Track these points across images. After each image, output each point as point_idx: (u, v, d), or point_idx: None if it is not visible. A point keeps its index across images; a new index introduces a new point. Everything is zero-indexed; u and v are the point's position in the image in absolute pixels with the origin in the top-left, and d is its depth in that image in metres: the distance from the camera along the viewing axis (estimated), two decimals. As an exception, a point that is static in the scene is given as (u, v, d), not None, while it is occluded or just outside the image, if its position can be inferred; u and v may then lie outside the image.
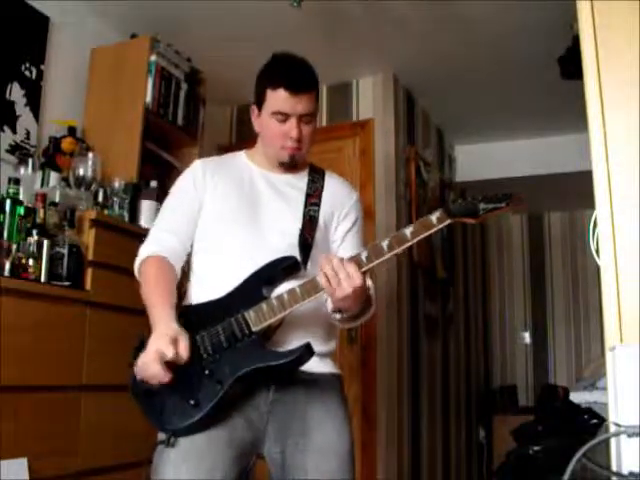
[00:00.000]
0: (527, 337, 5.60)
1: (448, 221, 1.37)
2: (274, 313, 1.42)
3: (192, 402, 1.41)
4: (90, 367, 2.25)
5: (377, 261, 1.40)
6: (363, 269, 1.38)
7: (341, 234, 1.68)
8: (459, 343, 4.66)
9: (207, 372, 1.42)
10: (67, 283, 2.23)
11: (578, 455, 0.90)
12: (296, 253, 1.54)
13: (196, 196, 1.62)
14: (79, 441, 2.18)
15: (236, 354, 1.42)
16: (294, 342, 1.47)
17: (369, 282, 1.55)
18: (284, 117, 1.55)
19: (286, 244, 1.55)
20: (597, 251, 1.08)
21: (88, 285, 2.30)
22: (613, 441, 0.97)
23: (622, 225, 1.05)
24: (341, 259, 1.37)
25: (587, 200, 1.20)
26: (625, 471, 0.92)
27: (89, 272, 2.31)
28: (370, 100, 3.73)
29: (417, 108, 4.09)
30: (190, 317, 1.49)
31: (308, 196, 1.66)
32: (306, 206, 1.64)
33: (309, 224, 1.60)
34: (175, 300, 1.52)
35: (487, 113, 4.20)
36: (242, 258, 1.53)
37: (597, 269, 1.08)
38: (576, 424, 1.88)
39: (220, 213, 1.61)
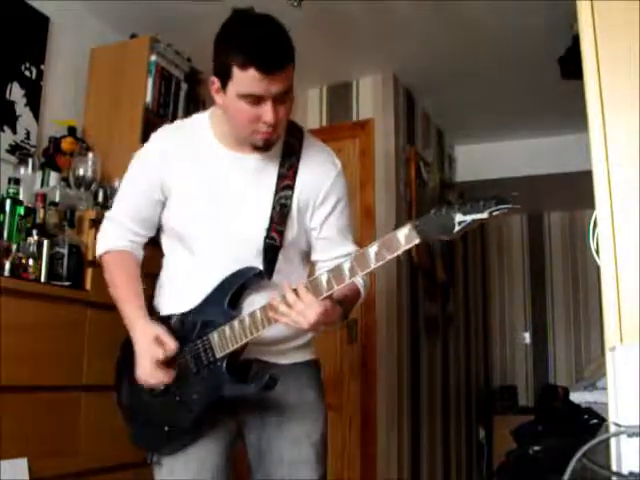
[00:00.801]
0: (527, 337, 5.60)
1: (417, 241, 1.20)
2: (236, 340, 1.38)
3: (166, 429, 1.46)
4: (90, 367, 2.25)
5: (337, 287, 1.29)
6: (323, 296, 1.29)
7: (319, 221, 1.51)
8: (459, 343, 4.66)
9: (177, 398, 1.44)
10: (67, 283, 2.23)
11: (578, 455, 0.90)
12: (260, 257, 1.44)
13: (151, 186, 1.50)
14: (79, 441, 2.18)
15: (204, 380, 1.42)
16: (269, 342, 1.47)
17: (360, 276, 1.41)
18: (256, 100, 1.32)
19: (253, 246, 1.44)
20: (597, 251, 1.08)
21: (88, 285, 2.30)
22: (613, 441, 0.97)
23: (622, 225, 1.05)
24: (294, 291, 1.29)
25: (587, 200, 1.20)
26: (625, 471, 0.92)
27: (89, 272, 2.31)
28: (370, 100, 3.72)
29: (417, 108, 4.09)
30: None
31: (280, 177, 1.46)
32: (277, 192, 1.45)
33: (279, 217, 1.44)
34: (140, 290, 1.51)
35: (487, 113, 4.20)
36: (211, 260, 1.46)
37: (597, 269, 1.08)
38: (576, 424, 1.88)
39: (183, 210, 1.49)
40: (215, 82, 1.39)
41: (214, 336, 1.40)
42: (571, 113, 2.59)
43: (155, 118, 2.90)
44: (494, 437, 4.90)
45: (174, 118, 3.02)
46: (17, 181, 2.29)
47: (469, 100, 4.00)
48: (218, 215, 1.46)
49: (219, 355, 1.40)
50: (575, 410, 1.96)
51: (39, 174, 2.51)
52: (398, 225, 1.23)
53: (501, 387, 5.38)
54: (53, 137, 2.67)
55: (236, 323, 1.38)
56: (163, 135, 1.56)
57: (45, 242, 2.18)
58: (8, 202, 2.20)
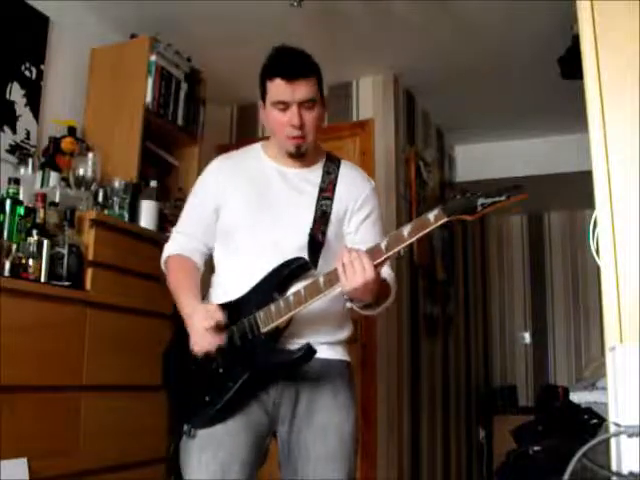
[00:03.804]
0: (527, 337, 5.60)
1: (445, 219, 1.35)
2: (280, 314, 1.49)
3: (207, 398, 1.54)
4: (90, 367, 2.25)
5: (392, 251, 1.41)
6: (377, 261, 1.39)
7: (355, 226, 1.69)
8: (459, 343, 4.66)
9: (221, 370, 1.53)
10: (67, 283, 2.23)
11: (578, 455, 0.90)
12: (306, 252, 1.58)
13: (211, 199, 1.69)
14: (79, 441, 2.18)
15: (247, 354, 1.52)
16: (306, 333, 1.56)
17: (388, 271, 1.63)
18: (284, 106, 1.56)
19: (297, 243, 1.59)
20: (597, 251, 1.08)
21: (88, 285, 2.30)
22: (613, 441, 0.97)
23: (622, 225, 1.05)
24: (358, 251, 1.39)
25: (587, 200, 1.20)
26: (625, 471, 0.92)
27: (89, 272, 2.31)
28: (370, 100, 3.73)
29: (417, 108, 4.09)
30: None
31: (321, 190, 1.66)
32: (319, 201, 1.64)
33: (321, 220, 1.62)
34: (198, 285, 1.65)
35: (487, 113, 4.20)
36: (257, 259, 1.58)
37: (597, 269, 1.08)
38: (576, 424, 1.88)
39: (236, 215, 1.65)
40: (261, 104, 1.65)
41: (260, 314, 1.52)
42: (571, 113, 2.59)
43: (155, 118, 2.90)
44: (494, 437, 4.90)
45: (174, 118, 3.02)
46: (17, 181, 2.29)
47: (469, 100, 4.00)
48: (264, 218, 1.62)
49: (264, 330, 1.51)
50: (575, 410, 1.96)
51: (39, 174, 2.51)
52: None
53: (501, 387, 5.38)
54: (53, 137, 2.67)
55: (281, 301, 1.50)
56: (221, 158, 1.78)
57: (45, 242, 2.18)
58: (8, 202, 2.20)
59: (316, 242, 1.60)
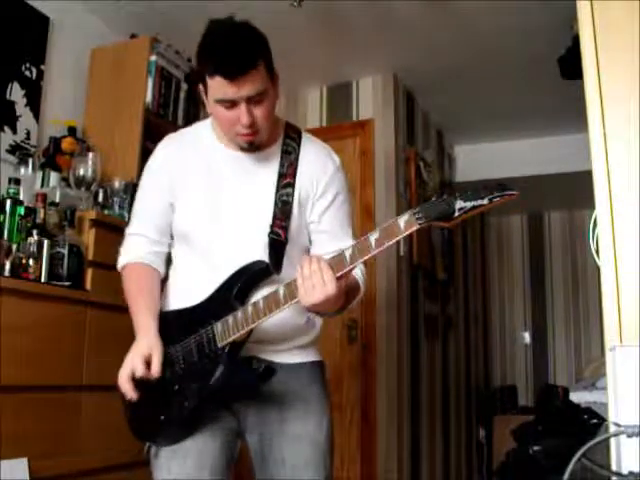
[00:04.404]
0: (527, 337, 5.60)
1: (416, 227, 1.19)
2: (237, 328, 1.37)
3: (162, 418, 1.44)
4: (90, 367, 2.25)
5: (356, 263, 1.26)
6: (340, 273, 1.26)
7: (317, 214, 1.52)
8: (459, 343, 4.66)
9: (176, 387, 1.43)
10: (67, 283, 2.23)
11: (578, 455, 0.90)
12: (267, 253, 1.45)
13: (163, 194, 1.54)
14: (79, 441, 2.18)
15: (204, 370, 1.40)
16: (271, 340, 1.47)
17: (359, 267, 1.46)
18: (230, 104, 1.37)
19: (256, 243, 1.45)
20: (597, 251, 1.08)
21: (88, 285, 2.30)
22: (613, 441, 0.97)
23: (622, 225, 1.05)
24: (320, 262, 1.26)
25: (587, 200, 1.20)
26: (625, 471, 0.92)
27: (89, 272, 2.31)
28: (370, 100, 3.73)
29: (417, 108, 4.09)
30: (165, 326, 1.48)
31: (280, 176, 1.49)
32: (278, 189, 1.48)
33: (282, 213, 1.46)
34: (157, 299, 1.52)
35: (487, 113, 4.20)
36: (215, 261, 1.47)
37: (597, 269, 1.08)
38: (576, 424, 1.88)
39: (187, 209, 1.51)
40: (201, 90, 1.46)
41: (217, 326, 1.40)
42: (571, 113, 2.59)
43: (155, 118, 2.90)
44: (494, 437, 4.90)
45: (174, 118, 3.02)
46: (17, 181, 2.29)
47: (469, 100, 4.00)
48: (219, 212, 1.48)
49: (221, 344, 1.39)
50: (575, 410, 1.96)
51: (39, 174, 2.51)
52: None
53: (501, 387, 5.38)
54: (53, 137, 2.67)
55: (239, 313, 1.37)
56: (167, 143, 1.60)
57: (45, 242, 2.18)
58: (8, 202, 2.20)
59: (277, 240, 1.45)
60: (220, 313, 1.39)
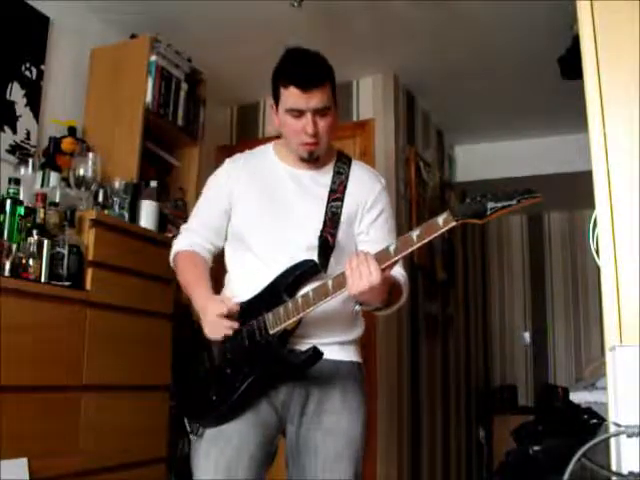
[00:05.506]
0: (527, 337, 5.60)
1: (453, 223, 1.34)
2: (288, 317, 1.50)
3: (214, 398, 1.57)
4: (90, 367, 2.25)
5: (400, 255, 1.40)
6: (384, 265, 1.39)
7: (365, 226, 1.70)
8: (459, 343, 4.66)
9: (229, 371, 1.56)
10: (67, 283, 2.23)
11: (578, 455, 0.90)
12: (316, 254, 1.60)
13: (222, 200, 1.71)
14: (79, 441, 2.18)
15: (254, 355, 1.54)
16: (316, 334, 1.58)
17: (401, 272, 1.65)
18: (299, 113, 1.57)
19: (308, 246, 1.61)
20: (597, 251, 1.08)
21: (88, 285, 2.30)
22: (613, 441, 0.97)
23: (622, 225, 1.05)
24: (366, 255, 1.40)
25: (587, 200, 1.20)
26: (625, 471, 0.92)
27: (89, 272, 2.31)
28: (370, 100, 3.73)
29: (417, 108, 4.09)
30: None
31: (332, 192, 1.68)
32: (329, 202, 1.66)
33: (331, 222, 1.64)
34: (209, 278, 1.67)
35: (487, 113, 4.20)
36: (268, 260, 1.61)
37: (597, 269, 1.08)
38: (576, 424, 1.88)
39: (246, 215, 1.68)
40: (273, 106, 1.66)
41: (268, 316, 1.53)
42: (571, 113, 2.59)
43: (155, 118, 2.90)
44: (494, 437, 4.90)
45: (174, 118, 3.02)
46: (17, 181, 2.29)
47: (469, 100, 4.00)
48: (275, 219, 1.65)
49: (272, 331, 1.52)
50: (575, 410, 1.96)
51: (39, 174, 2.51)
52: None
53: (501, 387, 5.37)
54: (53, 137, 2.67)
55: (290, 303, 1.51)
56: (233, 158, 1.79)
57: (45, 242, 2.18)
58: (8, 202, 2.20)
59: (326, 244, 1.62)
60: (271, 305, 1.53)
